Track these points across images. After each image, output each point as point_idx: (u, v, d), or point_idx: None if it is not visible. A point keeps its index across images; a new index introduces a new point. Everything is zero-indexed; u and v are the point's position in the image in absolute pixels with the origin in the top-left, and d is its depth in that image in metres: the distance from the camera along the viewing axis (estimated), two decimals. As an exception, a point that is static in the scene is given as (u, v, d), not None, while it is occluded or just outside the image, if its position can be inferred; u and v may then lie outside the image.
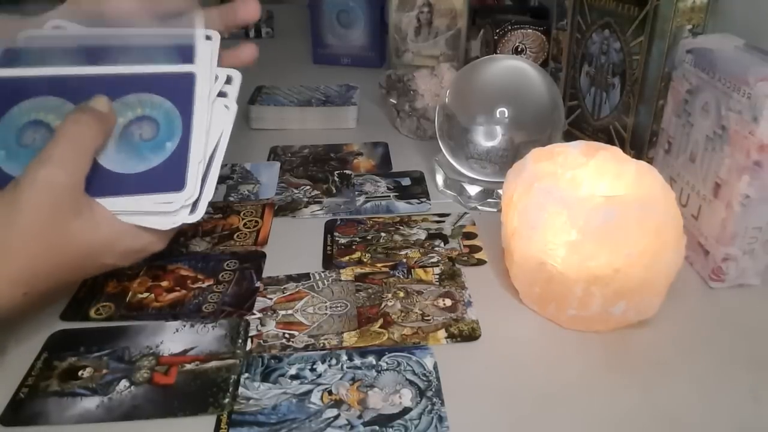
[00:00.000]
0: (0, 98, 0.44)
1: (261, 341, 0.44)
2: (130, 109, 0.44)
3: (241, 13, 0.51)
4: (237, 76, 0.46)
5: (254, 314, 0.46)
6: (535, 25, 0.79)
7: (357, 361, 0.42)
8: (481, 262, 0.52)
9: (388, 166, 0.69)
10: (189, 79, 0.45)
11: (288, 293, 0.48)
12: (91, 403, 0.39)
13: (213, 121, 0.45)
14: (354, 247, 0.54)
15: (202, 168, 0.44)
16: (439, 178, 0.64)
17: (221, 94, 0.46)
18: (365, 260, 0.52)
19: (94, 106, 0.43)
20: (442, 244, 0.54)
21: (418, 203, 0.61)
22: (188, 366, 0.41)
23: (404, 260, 0.52)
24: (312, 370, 0.41)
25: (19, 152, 0.43)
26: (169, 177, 0.43)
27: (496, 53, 0.79)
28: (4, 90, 0.44)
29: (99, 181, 0.42)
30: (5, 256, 0.38)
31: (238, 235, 0.56)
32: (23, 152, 0.43)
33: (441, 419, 0.38)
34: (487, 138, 0.57)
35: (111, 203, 0.42)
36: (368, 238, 0.55)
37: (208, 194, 0.44)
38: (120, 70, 0.45)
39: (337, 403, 0.39)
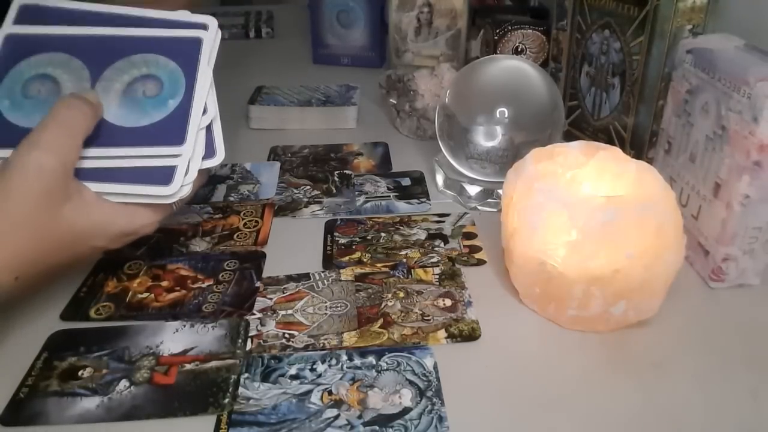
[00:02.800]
0: (11, 52, 0.46)
1: (261, 341, 0.44)
2: (136, 68, 0.46)
3: None
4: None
5: (254, 314, 0.46)
6: (535, 25, 0.79)
7: (357, 361, 0.42)
8: (481, 262, 0.52)
9: (388, 166, 0.69)
10: (196, 43, 0.47)
11: (288, 293, 0.48)
12: (91, 403, 0.39)
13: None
14: (354, 247, 0.54)
15: (204, 124, 0.46)
16: (439, 178, 0.64)
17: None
18: (365, 260, 0.52)
19: (85, 96, 0.43)
20: (442, 244, 0.54)
21: (418, 203, 0.61)
22: (188, 366, 0.41)
23: (404, 260, 0.52)
24: (312, 370, 0.41)
25: (24, 103, 0.45)
26: (170, 132, 0.45)
27: (496, 53, 0.79)
28: (16, 45, 0.46)
29: (101, 134, 0.44)
30: None
31: (238, 235, 0.56)
32: (27, 103, 0.45)
33: (441, 419, 0.38)
34: (487, 138, 0.57)
35: (108, 188, 0.43)
36: (368, 238, 0.55)
37: (219, 137, 0.46)
38: (129, 32, 0.47)
39: (337, 403, 0.39)
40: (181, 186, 0.44)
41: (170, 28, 0.47)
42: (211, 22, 0.48)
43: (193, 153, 0.45)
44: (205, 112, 0.46)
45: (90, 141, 0.43)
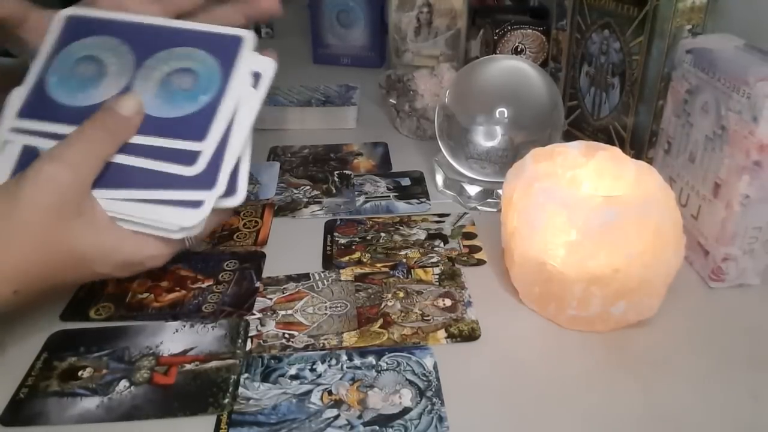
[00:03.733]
0: (70, 33, 0.46)
1: (261, 341, 0.44)
2: (176, 59, 0.45)
3: (263, 4, 0.51)
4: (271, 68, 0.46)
5: (254, 314, 0.46)
6: (535, 25, 0.79)
7: (357, 361, 0.42)
8: (480, 262, 0.52)
9: (387, 166, 0.69)
10: (237, 42, 0.45)
11: (288, 293, 0.48)
12: (91, 403, 0.39)
13: (244, 102, 0.44)
14: (354, 247, 0.54)
15: (226, 132, 0.43)
16: (439, 178, 0.64)
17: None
18: (365, 260, 0.52)
19: (119, 109, 0.42)
20: (441, 244, 0.54)
21: (418, 203, 0.61)
22: (188, 366, 0.41)
23: (404, 260, 0.52)
24: (312, 370, 0.41)
25: (69, 81, 0.45)
26: (193, 127, 0.43)
27: (496, 53, 0.79)
28: (76, 26, 0.47)
29: None
30: None
31: (237, 235, 0.56)
32: (72, 82, 0.45)
33: (441, 419, 0.38)
34: (487, 138, 0.57)
35: (120, 206, 0.41)
36: (368, 238, 0.55)
37: (244, 177, 0.44)
38: (177, 23, 0.47)
39: (337, 403, 0.39)
40: (193, 223, 0.41)
41: (215, 27, 0.46)
42: (248, 34, 0.46)
43: (212, 190, 0.42)
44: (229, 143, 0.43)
45: None
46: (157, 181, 0.42)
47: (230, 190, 0.43)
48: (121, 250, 0.42)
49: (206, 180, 0.42)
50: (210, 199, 0.42)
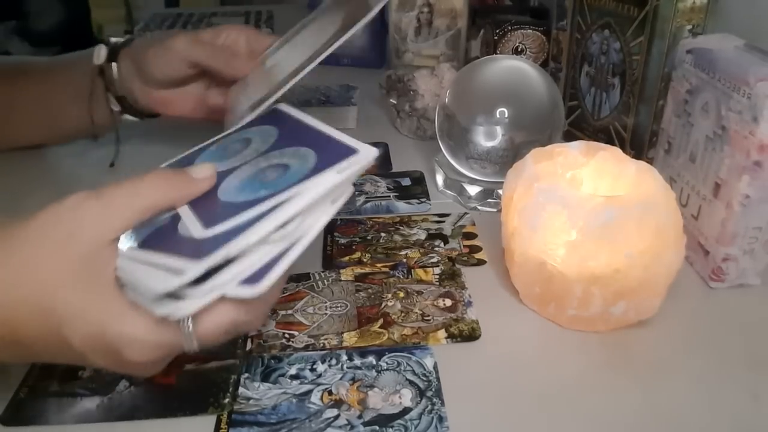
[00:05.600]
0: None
1: (261, 341, 0.44)
2: (287, 156, 0.39)
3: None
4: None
5: (254, 314, 0.46)
6: (535, 25, 0.79)
7: (357, 361, 0.42)
8: (481, 262, 0.52)
9: (388, 166, 0.69)
10: (350, 151, 0.37)
11: (288, 293, 0.48)
12: (91, 403, 0.39)
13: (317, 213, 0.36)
14: (354, 247, 0.54)
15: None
16: (439, 178, 0.64)
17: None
18: (365, 260, 0.52)
19: (190, 171, 0.37)
20: (442, 244, 0.54)
21: (418, 203, 0.61)
22: (188, 366, 0.41)
23: (404, 260, 0.52)
24: (312, 370, 0.41)
25: (219, 152, 0.43)
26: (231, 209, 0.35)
27: (496, 53, 0.79)
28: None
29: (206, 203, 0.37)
30: None
31: (238, 235, 0.56)
32: (220, 153, 0.43)
33: (441, 419, 0.38)
34: (487, 138, 0.57)
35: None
36: (368, 238, 0.55)
37: (278, 271, 0.33)
38: (310, 121, 0.43)
39: (337, 403, 0.39)
40: (169, 288, 0.31)
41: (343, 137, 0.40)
42: (371, 152, 0.37)
43: (228, 266, 0.32)
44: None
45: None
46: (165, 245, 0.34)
47: (253, 279, 0.33)
48: (103, 315, 0.32)
49: (202, 249, 0.32)
50: (194, 269, 0.31)
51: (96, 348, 0.32)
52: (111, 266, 0.32)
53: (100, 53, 0.62)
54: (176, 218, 0.36)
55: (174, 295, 0.32)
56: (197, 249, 0.32)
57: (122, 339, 0.32)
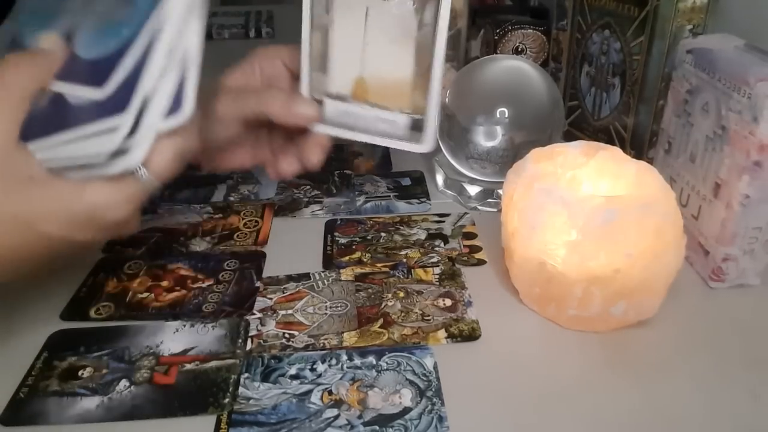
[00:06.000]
0: None
1: (261, 341, 0.44)
2: None
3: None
4: None
5: (254, 314, 0.46)
6: (535, 25, 0.79)
7: (357, 361, 0.42)
8: (481, 262, 0.52)
9: (388, 166, 0.69)
10: None
11: (288, 293, 0.48)
12: (91, 403, 0.39)
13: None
14: (354, 247, 0.54)
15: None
16: (439, 178, 0.64)
17: None
18: (365, 260, 0.52)
19: (38, 47, 0.37)
20: (442, 244, 0.54)
21: (418, 203, 0.61)
22: (188, 366, 0.41)
23: (404, 260, 0.52)
24: (312, 370, 0.41)
25: (38, 14, 0.40)
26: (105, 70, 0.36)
27: (496, 53, 0.79)
28: None
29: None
30: None
31: (238, 235, 0.56)
32: (41, 15, 0.39)
33: (441, 419, 0.38)
34: (487, 138, 0.57)
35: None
36: (368, 238, 0.55)
37: (189, 92, 0.36)
38: None
39: (337, 403, 0.39)
40: (114, 147, 0.34)
41: None
42: None
43: (148, 106, 0.35)
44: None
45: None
46: (75, 118, 0.36)
47: (174, 107, 0.35)
48: (60, 199, 0.36)
49: (117, 104, 0.35)
50: (126, 120, 0.34)
51: (77, 228, 0.36)
52: (33, 162, 0.35)
53: None
54: (57, 97, 0.37)
55: (118, 153, 0.35)
56: (111, 106, 0.35)
57: (96, 208, 0.36)
